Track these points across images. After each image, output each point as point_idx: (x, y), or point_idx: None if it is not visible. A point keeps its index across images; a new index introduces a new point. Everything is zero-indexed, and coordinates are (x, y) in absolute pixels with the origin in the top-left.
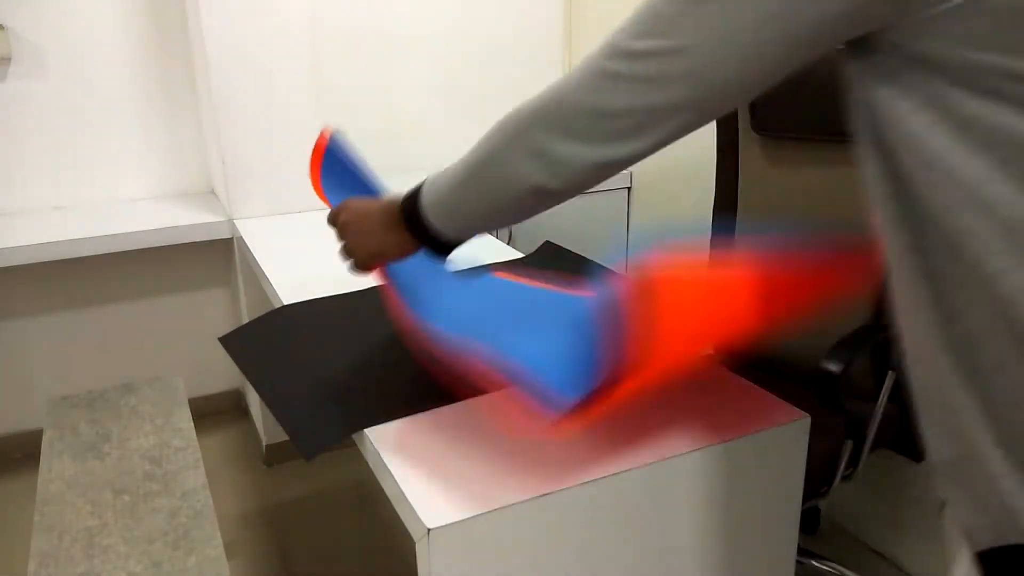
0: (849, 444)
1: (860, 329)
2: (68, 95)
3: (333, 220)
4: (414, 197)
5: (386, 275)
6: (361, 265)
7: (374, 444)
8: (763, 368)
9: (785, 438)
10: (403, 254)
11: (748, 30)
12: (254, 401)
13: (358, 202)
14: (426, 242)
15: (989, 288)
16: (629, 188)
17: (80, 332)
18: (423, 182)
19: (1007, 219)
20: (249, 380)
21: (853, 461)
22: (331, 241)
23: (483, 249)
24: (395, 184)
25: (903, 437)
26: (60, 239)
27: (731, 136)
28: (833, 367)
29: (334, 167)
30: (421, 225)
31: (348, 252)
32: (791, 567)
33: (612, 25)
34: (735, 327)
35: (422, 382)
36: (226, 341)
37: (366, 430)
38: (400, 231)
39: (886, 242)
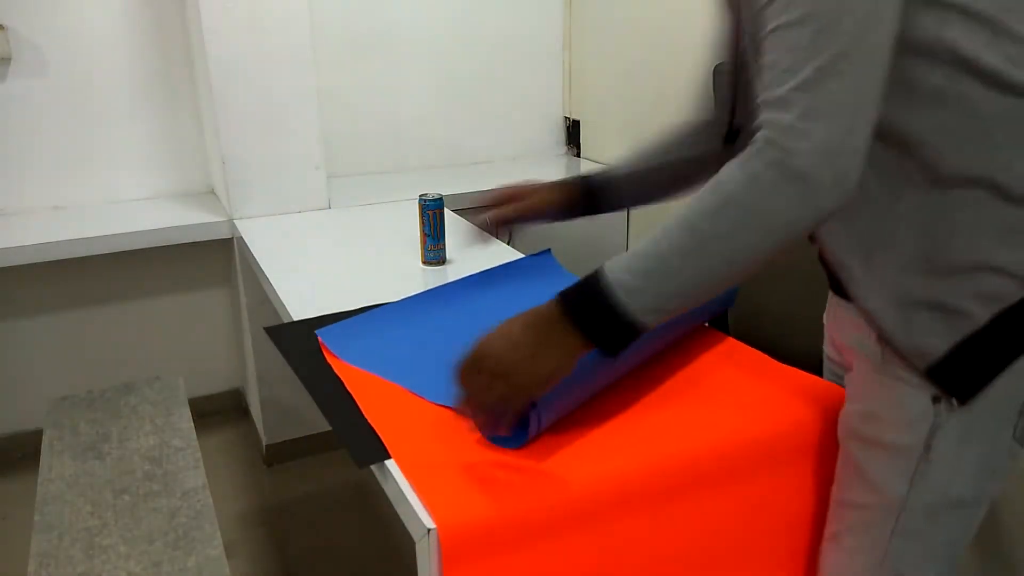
0: None
1: None
2: (68, 95)
3: (472, 373)
4: (590, 288)
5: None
6: (530, 391)
7: (383, 443)
8: None
9: None
10: (568, 369)
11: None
12: (254, 401)
13: (491, 337)
14: (604, 337)
15: None
16: None
17: (80, 332)
18: (592, 275)
19: None
20: (300, 378)
21: None
22: (330, 242)
23: (484, 249)
24: (396, 185)
25: None
26: (60, 239)
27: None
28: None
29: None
30: (604, 316)
31: (504, 400)
32: None
33: (611, 25)
34: None
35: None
36: (273, 333)
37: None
38: (565, 339)
39: None
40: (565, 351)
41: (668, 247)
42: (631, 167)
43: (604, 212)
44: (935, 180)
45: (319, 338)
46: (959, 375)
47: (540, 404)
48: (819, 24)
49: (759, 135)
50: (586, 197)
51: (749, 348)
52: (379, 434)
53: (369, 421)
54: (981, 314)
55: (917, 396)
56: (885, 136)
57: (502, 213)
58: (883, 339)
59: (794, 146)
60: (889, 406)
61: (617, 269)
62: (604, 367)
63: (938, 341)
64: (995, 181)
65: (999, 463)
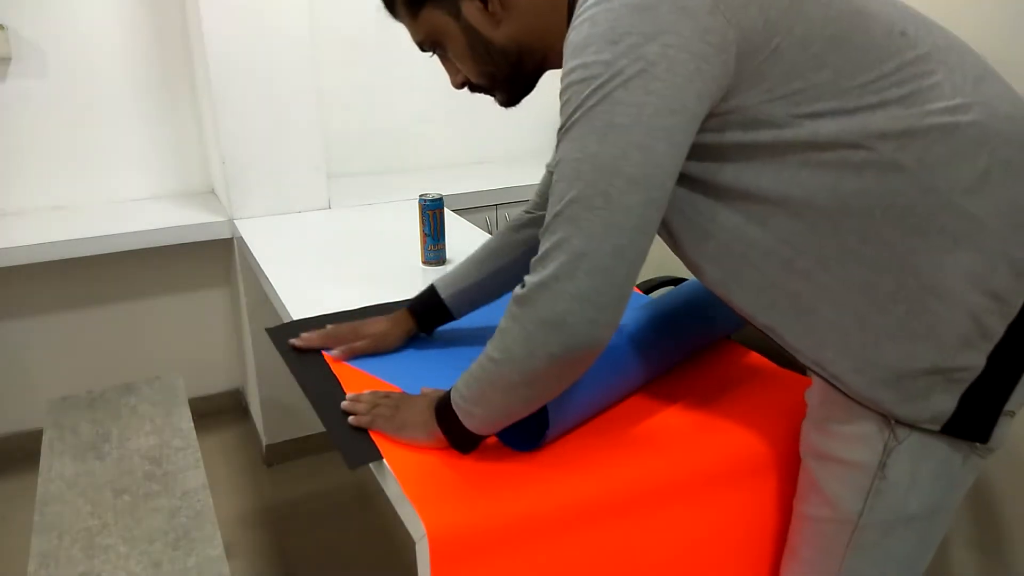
0: None
1: None
2: (68, 95)
3: (385, 400)
4: (446, 404)
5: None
6: (389, 434)
7: (375, 444)
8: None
9: None
10: (427, 446)
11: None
12: (254, 401)
13: (412, 398)
14: (456, 444)
15: None
16: None
17: (80, 332)
18: (447, 394)
19: None
20: (297, 381)
21: None
22: (330, 242)
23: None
24: (396, 185)
25: None
26: (60, 239)
27: None
28: None
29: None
30: (455, 429)
31: (378, 425)
32: None
33: None
34: None
35: None
36: (273, 334)
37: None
38: (436, 432)
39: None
40: (432, 437)
41: (483, 375)
42: (470, 278)
43: (449, 322)
44: (896, 246)
45: (324, 354)
46: (974, 422)
47: (552, 420)
48: (565, 170)
49: (518, 287)
50: (425, 323)
51: (749, 351)
52: (372, 437)
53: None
54: (978, 359)
55: (871, 415)
56: (832, 221)
57: (353, 348)
58: (888, 415)
59: (531, 295)
60: (844, 424)
61: (456, 392)
62: (616, 388)
63: (946, 399)
64: (948, 221)
65: (957, 477)
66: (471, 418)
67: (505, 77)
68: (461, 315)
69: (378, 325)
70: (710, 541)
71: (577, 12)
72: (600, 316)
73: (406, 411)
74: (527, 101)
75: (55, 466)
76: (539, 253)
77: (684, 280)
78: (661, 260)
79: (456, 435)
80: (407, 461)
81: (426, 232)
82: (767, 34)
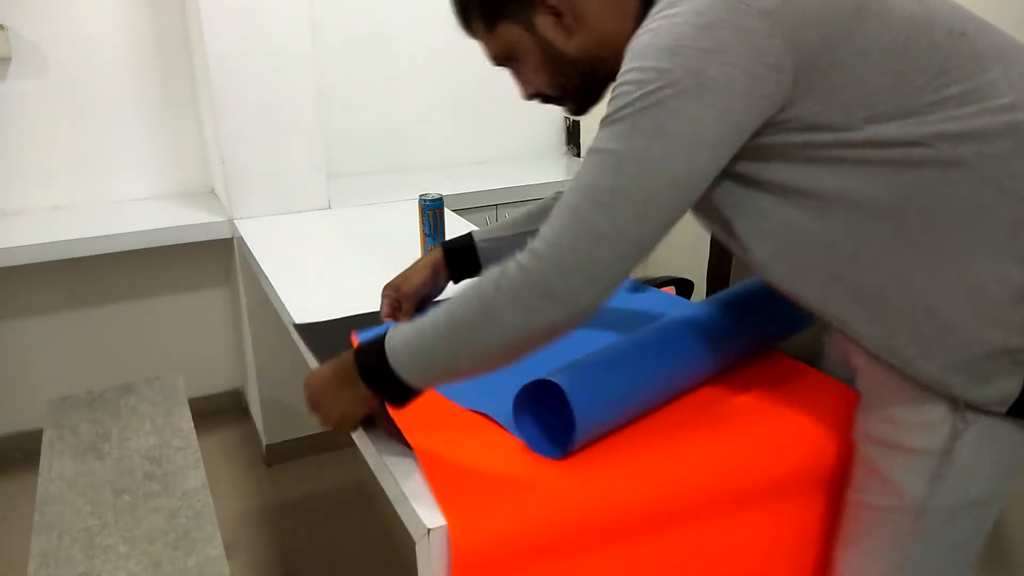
0: None
1: None
2: (68, 95)
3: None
4: (375, 350)
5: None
6: (338, 427)
7: (374, 444)
8: None
9: None
10: (368, 408)
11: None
12: (254, 401)
13: (314, 372)
14: (386, 394)
15: None
16: None
17: (80, 332)
18: (380, 338)
19: None
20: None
21: None
22: (330, 242)
23: None
24: (396, 185)
25: None
26: (60, 239)
27: None
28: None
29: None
30: (383, 378)
31: (325, 420)
32: None
33: None
34: None
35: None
36: (302, 331)
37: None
38: (357, 388)
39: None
40: (357, 397)
41: (434, 329)
42: (504, 232)
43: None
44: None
45: (354, 338)
46: None
47: (579, 422)
48: (605, 158)
49: (518, 255)
50: (454, 263)
51: (791, 360)
52: (403, 432)
53: (394, 419)
54: None
55: (936, 401)
56: (894, 213)
57: (403, 319)
58: (958, 398)
59: (533, 266)
60: (908, 411)
61: (396, 339)
62: (654, 393)
63: (1012, 382)
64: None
65: (1017, 462)
66: (418, 375)
67: (576, 87)
68: (490, 267)
69: (415, 275)
70: (746, 549)
71: (645, 23)
72: (599, 293)
73: (333, 402)
74: (528, 102)
75: (55, 466)
76: (553, 223)
77: (685, 280)
78: (663, 260)
79: (394, 393)
80: (434, 458)
81: (426, 232)
82: (825, 51)
